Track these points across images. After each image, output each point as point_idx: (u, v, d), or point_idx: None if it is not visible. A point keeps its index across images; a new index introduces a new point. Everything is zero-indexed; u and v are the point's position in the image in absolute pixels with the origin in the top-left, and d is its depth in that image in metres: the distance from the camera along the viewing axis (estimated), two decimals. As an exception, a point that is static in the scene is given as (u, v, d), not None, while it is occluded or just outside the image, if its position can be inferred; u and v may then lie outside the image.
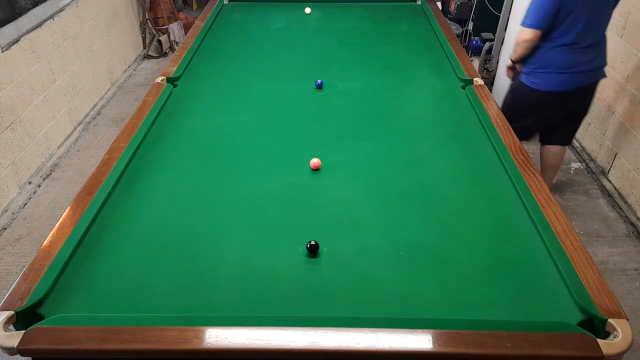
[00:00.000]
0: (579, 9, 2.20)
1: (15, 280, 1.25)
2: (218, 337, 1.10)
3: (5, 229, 2.83)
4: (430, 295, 1.26)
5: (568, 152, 3.46)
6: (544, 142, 2.77)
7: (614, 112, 3.09)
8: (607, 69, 2.43)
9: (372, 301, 1.24)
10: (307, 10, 2.94)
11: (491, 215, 1.53)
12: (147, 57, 4.94)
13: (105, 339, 1.10)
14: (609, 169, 3.15)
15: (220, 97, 2.25)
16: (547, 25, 2.25)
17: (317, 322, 1.13)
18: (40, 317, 1.17)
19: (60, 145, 3.51)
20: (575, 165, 3.34)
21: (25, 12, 3.11)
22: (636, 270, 2.54)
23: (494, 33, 4.00)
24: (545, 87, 2.39)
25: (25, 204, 3.00)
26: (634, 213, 2.87)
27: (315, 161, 1.73)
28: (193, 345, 1.09)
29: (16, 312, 1.15)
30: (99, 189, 1.57)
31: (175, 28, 4.96)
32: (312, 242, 1.36)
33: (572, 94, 2.40)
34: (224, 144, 1.91)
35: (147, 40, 4.99)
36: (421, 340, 1.10)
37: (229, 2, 3.43)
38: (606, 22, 2.33)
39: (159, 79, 2.29)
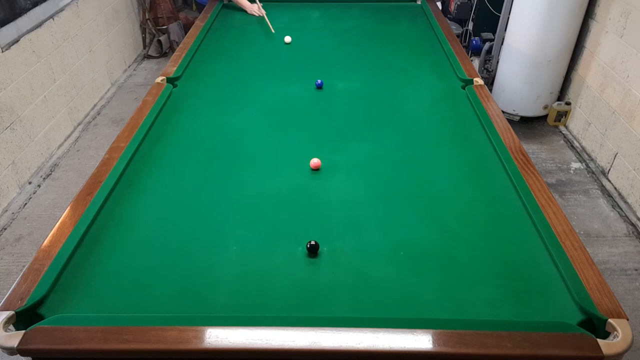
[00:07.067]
0: None
1: (15, 280, 1.25)
2: (218, 337, 1.10)
3: (5, 229, 2.83)
4: (430, 295, 1.26)
5: (568, 152, 3.46)
6: None
7: (614, 112, 3.09)
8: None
9: (372, 301, 1.24)
10: (287, 39, 2.84)
11: (491, 215, 1.53)
12: (147, 57, 4.94)
13: (105, 339, 1.10)
14: (609, 169, 3.15)
15: (220, 97, 2.24)
16: None
17: (317, 322, 1.13)
18: (40, 317, 1.17)
19: (60, 145, 3.51)
20: (575, 165, 3.34)
21: (25, 12, 3.11)
22: (636, 270, 2.54)
23: (494, 33, 4.00)
24: None
25: (25, 204, 3.00)
26: (634, 213, 2.87)
27: (315, 161, 1.73)
28: (193, 345, 1.09)
29: (16, 312, 1.15)
30: (99, 189, 1.57)
31: (175, 28, 4.96)
32: (312, 242, 1.36)
33: None
34: (223, 144, 1.90)
35: (147, 40, 4.99)
36: (421, 340, 1.10)
37: (229, 2, 3.43)
38: None
39: (159, 79, 2.29)
